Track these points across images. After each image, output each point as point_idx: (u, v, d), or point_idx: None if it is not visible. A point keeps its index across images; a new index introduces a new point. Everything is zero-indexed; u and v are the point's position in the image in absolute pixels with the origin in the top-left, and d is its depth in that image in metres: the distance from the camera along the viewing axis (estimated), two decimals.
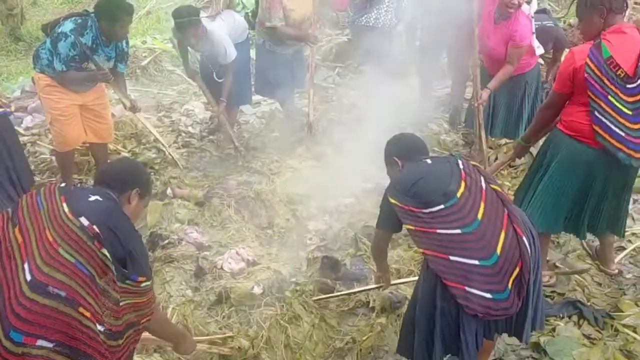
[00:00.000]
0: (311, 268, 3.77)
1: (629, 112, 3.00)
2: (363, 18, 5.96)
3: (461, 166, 2.60)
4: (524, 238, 2.42)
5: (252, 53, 5.79)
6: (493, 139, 5.13)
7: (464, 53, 4.95)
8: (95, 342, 2.06)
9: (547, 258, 3.72)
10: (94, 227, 2.11)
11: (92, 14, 4.08)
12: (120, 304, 2.15)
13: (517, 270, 2.40)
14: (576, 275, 3.69)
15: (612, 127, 3.00)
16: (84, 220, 2.11)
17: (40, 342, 1.96)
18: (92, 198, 2.23)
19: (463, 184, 2.50)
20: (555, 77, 3.42)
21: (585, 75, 2.99)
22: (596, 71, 2.97)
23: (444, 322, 2.45)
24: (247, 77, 5.51)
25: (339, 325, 3.34)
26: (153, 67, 7.34)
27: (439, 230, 2.44)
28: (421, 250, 2.51)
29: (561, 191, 3.26)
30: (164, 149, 5.19)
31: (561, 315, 3.36)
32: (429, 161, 2.70)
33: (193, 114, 6.15)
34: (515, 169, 4.95)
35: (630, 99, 3.00)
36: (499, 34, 4.41)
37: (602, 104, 2.99)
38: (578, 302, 3.43)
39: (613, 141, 3.02)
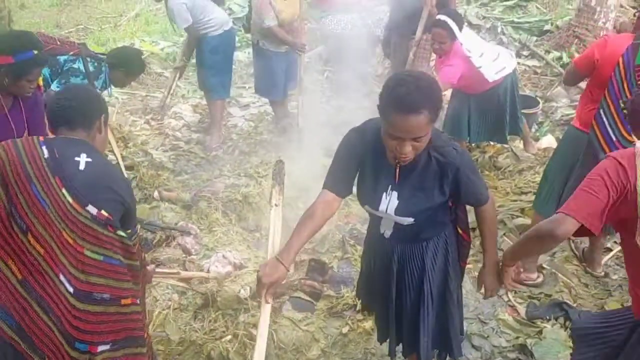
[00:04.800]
0: (298, 271, 3.75)
1: None
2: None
3: None
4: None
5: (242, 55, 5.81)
6: (471, 144, 5.15)
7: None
8: (139, 322, 2.17)
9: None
10: (103, 212, 2.04)
11: (105, 61, 4.09)
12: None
13: None
14: (563, 277, 3.70)
15: (608, 128, 3.03)
16: (92, 209, 2.02)
17: (100, 348, 2.06)
18: (82, 164, 2.07)
19: None
20: None
21: (612, 73, 2.96)
22: (622, 73, 2.93)
23: None
24: (222, 69, 5.48)
25: (326, 328, 3.32)
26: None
27: None
28: None
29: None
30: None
31: (548, 317, 3.37)
32: None
33: (181, 116, 6.12)
34: (502, 170, 4.97)
35: None
36: (439, 67, 4.52)
37: (612, 106, 2.98)
38: (565, 303, 3.44)
39: (602, 141, 3.04)
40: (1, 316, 2.01)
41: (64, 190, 2.01)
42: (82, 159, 2.08)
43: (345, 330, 3.31)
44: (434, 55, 4.95)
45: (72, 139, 2.15)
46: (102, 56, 4.17)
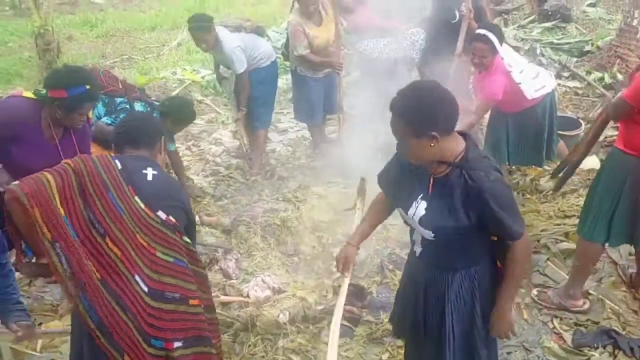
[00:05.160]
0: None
1: None
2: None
3: None
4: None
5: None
6: (510, 166, 5.07)
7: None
8: (205, 323, 2.33)
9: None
10: (171, 218, 2.26)
11: (158, 109, 4.27)
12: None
13: None
14: (611, 303, 3.58)
15: None
16: (162, 215, 2.24)
17: (175, 344, 2.25)
18: (149, 176, 2.30)
19: None
20: None
21: None
22: None
23: None
24: (269, 101, 5.63)
25: (365, 354, 3.29)
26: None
27: None
28: None
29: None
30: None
31: (595, 345, 3.26)
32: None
33: (221, 142, 6.23)
34: (544, 194, 4.86)
35: None
36: (480, 84, 4.50)
37: None
38: (613, 331, 3.32)
39: None
40: (86, 308, 2.16)
41: (136, 198, 2.22)
42: (149, 172, 2.31)
43: (385, 357, 3.28)
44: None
45: (138, 155, 2.39)
46: (156, 103, 4.34)
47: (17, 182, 2.15)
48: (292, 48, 5.37)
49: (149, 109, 4.21)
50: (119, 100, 4.14)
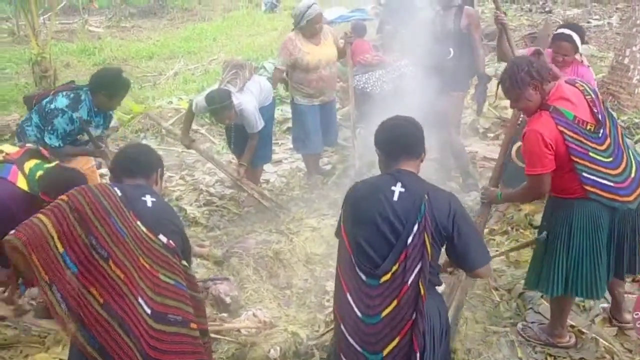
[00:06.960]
0: (329, 331, 3.69)
1: (609, 160, 3.04)
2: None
3: (411, 238, 2.34)
4: (417, 354, 2.32)
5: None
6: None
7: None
8: (203, 347, 2.37)
9: (573, 323, 3.61)
10: (171, 242, 2.33)
11: (85, 88, 4.20)
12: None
13: None
14: (605, 342, 3.55)
15: (601, 180, 3.02)
16: (163, 238, 2.32)
17: None
18: (149, 203, 2.39)
19: (395, 268, 2.32)
20: None
21: (566, 142, 3.00)
22: (572, 134, 3.00)
23: None
24: (270, 137, 5.65)
25: None
26: (178, 126, 7.49)
27: (347, 295, 2.43)
28: None
29: (595, 253, 3.17)
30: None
31: None
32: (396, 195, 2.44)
33: (215, 172, 6.23)
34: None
35: (603, 147, 3.05)
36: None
37: (587, 163, 3.01)
38: None
39: (605, 194, 3.03)
40: (84, 336, 2.15)
41: (138, 222, 2.29)
42: (148, 199, 2.40)
43: None
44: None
45: (136, 184, 2.47)
46: (82, 86, 4.24)
47: (13, 231, 2.20)
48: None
49: (72, 95, 4.10)
50: (45, 101, 4.11)
